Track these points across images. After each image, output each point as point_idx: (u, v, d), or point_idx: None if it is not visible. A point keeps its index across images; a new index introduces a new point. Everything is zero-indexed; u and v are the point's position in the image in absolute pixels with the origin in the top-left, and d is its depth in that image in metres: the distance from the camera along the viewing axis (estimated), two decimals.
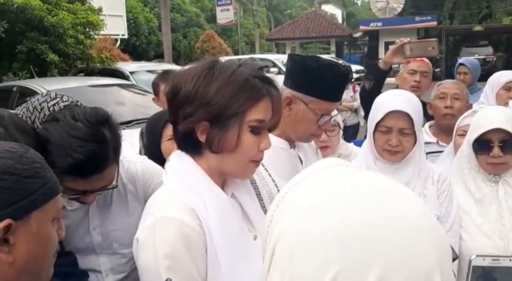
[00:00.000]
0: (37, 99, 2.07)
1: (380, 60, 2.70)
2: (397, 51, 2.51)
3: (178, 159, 1.28)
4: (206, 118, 1.19)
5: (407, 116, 1.83)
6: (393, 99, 1.88)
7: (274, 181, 1.65)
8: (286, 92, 1.68)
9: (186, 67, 1.31)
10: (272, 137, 1.67)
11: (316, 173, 0.64)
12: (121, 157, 1.76)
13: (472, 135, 1.93)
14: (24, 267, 0.95)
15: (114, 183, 1.55)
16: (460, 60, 4.30)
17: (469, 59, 4.38)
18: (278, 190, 1.63)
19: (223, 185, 1.30)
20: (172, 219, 1.15)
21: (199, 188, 1.22)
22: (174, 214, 1.16)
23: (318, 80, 1.62)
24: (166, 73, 3.44)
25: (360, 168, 0.66)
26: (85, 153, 1.35)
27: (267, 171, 1.64)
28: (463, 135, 2.29)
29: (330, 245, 0.53)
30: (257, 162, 1.29)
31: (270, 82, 1.27)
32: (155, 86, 3.29)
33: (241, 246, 1.22)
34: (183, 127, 1.22)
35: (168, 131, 2.29)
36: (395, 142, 1.84)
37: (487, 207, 1.92)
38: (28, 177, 0.94)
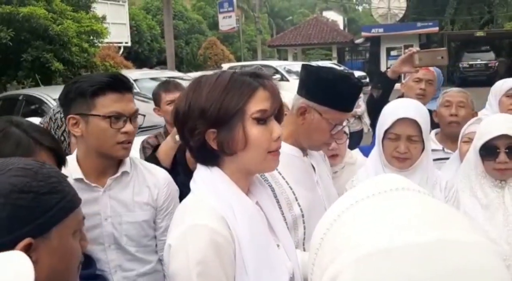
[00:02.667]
0: (53, 110, 2.14)
1: (388, 69, 2.72)
2: (406, 60, 2.53)
3: (206, 168, 1.30)
4: (209, 126, 1.22)
5: (415, 124, 1.86)
6: (402, 107, 1.92)
7: (291, 189, 1.68)
8: (301, 101, 1.72)
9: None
10: (285, 145, 1.71)
11: (373, 197, 0.60)
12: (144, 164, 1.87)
13: (478, 142, 1.96)
14: None
15: (138, 111, 1.75)
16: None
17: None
18: (296, 198, 1.66)
19: (247, 194, 1.32)
20: (204, 226, 1.17)
21: (228, 196, 1.24)
22: (206, 222, 1.18)
23: (333, 91, 1.66)
24: (166, 82, 3.35)
25: (425, 196, 0.61)
26: (118, 73, 1.76)
27: (284, 178, 1.68)
28: (468, 142, 2.31)
29: None
30: (275, 152, 1.30)
31: (259, 75, 1.29)
32: (156, 96, 3.12)
33: (266, 254, 1.24)
34: (194, 142, 1.25)
35: None
36: (403, 149, 1.87)
37: (493, 212, 1.95)
38: (45, 193, 0.93)
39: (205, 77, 1.27)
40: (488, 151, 1.93)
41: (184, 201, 1.32)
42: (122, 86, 1.67)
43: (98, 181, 1.72)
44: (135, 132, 1.73)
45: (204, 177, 1.29)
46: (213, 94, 1.21)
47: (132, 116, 1.70)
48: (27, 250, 0.89)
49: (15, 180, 0.91)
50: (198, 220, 1.19)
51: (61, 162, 1.46)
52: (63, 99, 1.69)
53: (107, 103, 1.64)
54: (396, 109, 1.92)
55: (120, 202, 1.73)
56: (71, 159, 1.70)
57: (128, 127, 1.67)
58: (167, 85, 3.16)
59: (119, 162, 1.76)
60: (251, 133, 1.23)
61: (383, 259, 0.52)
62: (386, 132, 1.91)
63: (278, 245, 1.32)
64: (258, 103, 1.24)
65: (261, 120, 1.24)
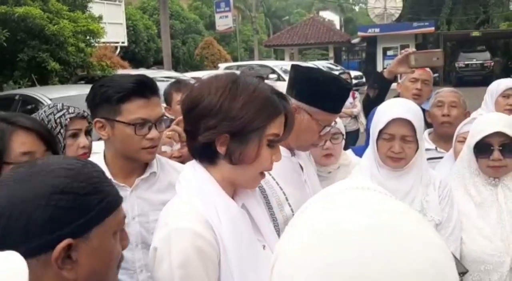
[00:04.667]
0: (44, 111, 2.11)
1: (385, 69, 2.74)
2: (402, 61, 2.55)
3: (192, 169, 1.32)
4: (228, 131, 1.23)
5: (409, 124, 1.88)
6: (395, 107, 1.93)
7: (282, 189, 1.70)
8: (291, 102, 1.72)
9: (205, 79, 1.34)
10: None
11: (335, 194, 0.64)
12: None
13: (473, 139, 1.97)
14: None
15: (163, 115, 1.73)
16: None
17: None
18: (286, 198, 1.68)
19: (233, 196, 1.34)
20: (187, 230, 1.19)
21: (212, 198, 1.25)
22: (189, 225, 1.19)
23: (323, 93, 1.68)
24: (177, 82, 3.34)
25: (375, 192, 0.63)
26: (143, 76, 1.68)
27: (274, 179, 1.69)
28: (462, 141, 2.33)
29: None
30: (264, 173, 1.34)
31: (285, 98, 1.34)
32: (167, 95, 3.15)
33: (251, 256, 1.25)
34: (204, 138, 1.25)
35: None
36: (397, 149, 1.88)
37: (487, 210, 1.97)
38: (86, 194, 0.93)
39: (242, 81, 1.27)
40: (482, 148, 1.95)
41: (168, 203, 1.33)
42: (149, 90, 1.65)
43: (126, 181, 1.73)
44: (161, 137, 1.73)
45: (189, 178, 1.30)
46: (249, 106, 1.23)
47: (158, 121, 1.68)
48: (68, 250, 0.90)
49: (56, 181, 0.91)
50: (180, 224, 1.20)
51: (50, 144, 1.47)
52: (90, 102, 1.70)
53: (133, 110, 1.63)
54: (390, 109, 1.93)
55: (147, 201, 1.73)
56: (99, 160, 1.72)
57: (153, 133, 1.66)
58: (178, 85, 3.17)
59: (147, 162, 1.77)
60: (261, 152, 1.26)
61: (316, 244, 0.56)
62: (380, 132, 1.92)
63: (264, 246, 1.33)
64: (276, 127, 1.28)
65: (272, 142, 1.28)
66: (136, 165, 1.75)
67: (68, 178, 0.93)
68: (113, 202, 0.99)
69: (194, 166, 1.32)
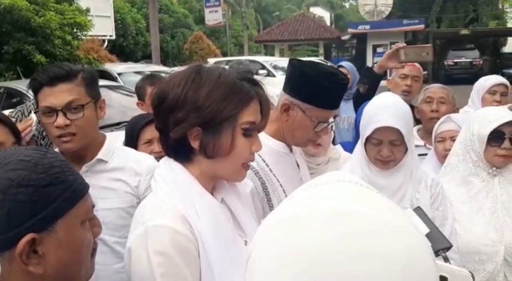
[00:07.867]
0: (26, 105, 2.11)
1: (375, 64, 2.73)
2: (392, 55, 2.56)
3: (167, 165, 1.27)
4: (198, 123, 1.19)
5: (396, 129, 1.82)
6: (382, 114, 1.84)
7: (282, 187, 1.67)
8: (284, 98, 1.69)
9: (172, 73, 1.30)
10: (274, 141, 1.70)
11: (307, 190, 0.63)
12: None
13: (484, 129, 1.95)
14: (56, 276, 0.91)
15: (80, 102, 1.69)
16: (340, 63, 4.29)
17: (348, 62, 4.34)
18: (286, 195, 1.64)
19: (212, 191, 1.29)
20: (163, 226, 1.14)
21: (190, 194, 1.21)
22: (166, 222, 1.15)
23: (316, 88, 1.63)
24: (151, 76, 3.28)
25: (356, 185, 0.63)
26: (58, 65, 1.71)
27: (275, 176, 1.66)
28: (442, 141, 2.33)
29: (285, 267, 0.54)
30: (247, 165, 1.29)
31: (256, 83, 1.28)
32: (140, 89, 3.08)
33: (232, 251, 1.21)
34: (176, 134, 1.20)
35: (145, 135, 2.28)
36: (386, 153, 1.85)
37: (482, 201, 1.97)
38: (46, 185, 0.89)
39: (205, 70, 1.23)
40: (494, 137, 1.94)
41: (143, 201, 1.29)
42: (58, 78, 1.65)
43: (77, 167, 1.70)
44: (78, 124, 1.68)
45: (165, 175, 1.26)
46: (214, 93, 1.18)
47: (66, 108, 1.65)
48: (32, 244, 0.87)
49: (12, 174, 0.87)
50: (157, 221, 1.16)
51: (19, 137, 1.50)
52: None
53: (41, 98, 1.67)
54: (376, 115, 1.85)
55: (96, 188, 1.68)
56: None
57: (59, 120, 1.64)
58: (152, 79, 3.13)
59: (98, 149, 1.77)
60: (237, 142, 1.21)
61: (286, 227, 0.57)
62: (368, 137, 1.88)
63: (246, 242, 1.29)
64: (250, 114, 1.23)
65: (248, 131, 1.23)
66: (84, 151, 1.75)
67: (25, 170, 0.88)
68: (77, 191, 0.95)
69: (169, 163, 1.27)
